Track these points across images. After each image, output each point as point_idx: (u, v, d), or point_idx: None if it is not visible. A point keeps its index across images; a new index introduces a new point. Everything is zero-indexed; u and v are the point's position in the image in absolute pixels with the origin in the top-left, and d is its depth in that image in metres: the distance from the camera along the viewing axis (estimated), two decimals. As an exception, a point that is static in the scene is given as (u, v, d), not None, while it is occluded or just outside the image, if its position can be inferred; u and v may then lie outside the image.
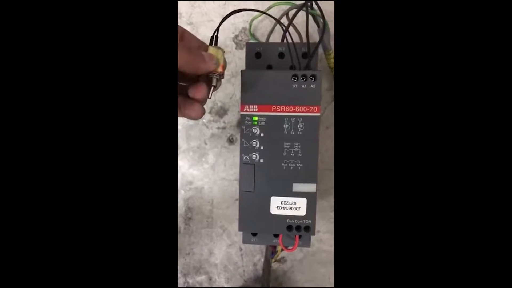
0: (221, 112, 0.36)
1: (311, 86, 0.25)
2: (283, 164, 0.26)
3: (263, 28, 0.34)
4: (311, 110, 0.25)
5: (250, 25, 0.34)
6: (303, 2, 0.29)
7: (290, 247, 0.28)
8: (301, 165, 0.26)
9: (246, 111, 0.26)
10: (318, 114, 0.26)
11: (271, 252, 0.34)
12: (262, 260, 0.37)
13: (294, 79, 0.25)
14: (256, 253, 0.38)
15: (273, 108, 0.26)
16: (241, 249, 0.38)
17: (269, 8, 0.33)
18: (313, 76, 0.25)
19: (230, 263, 0.38)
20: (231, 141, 0.36)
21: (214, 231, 0.38)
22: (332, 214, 0.37)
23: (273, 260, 0.35)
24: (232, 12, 0.26)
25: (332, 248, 0.37)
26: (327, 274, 0.38)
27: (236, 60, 0.35)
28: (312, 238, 0.36)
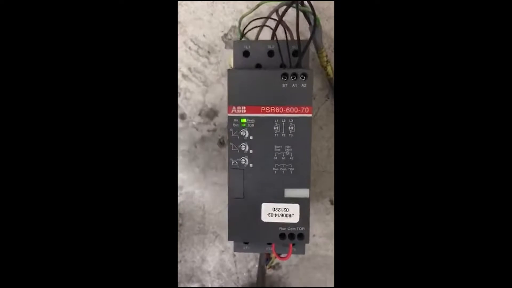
0: (211, 114, 0.35)
1: (302, 85, 0.24)
2: (274, 169, 0.25)
3: (252, 26, 0.33)
4: (302, 111, 0.24)
5: (240, 23, 0.33)
6: (293, -2, 0.28)
7: (283, 255, 0.27)
8: (293, 169, 0.24)
9: (234, 112, 0.25)
10: (310, 115, 0.24)
11: (266, 258, 0.33)
12: (257, 266, 0.36)
13: (284, 78, 0.24)
14: (250, 259, 0.37)
15: (262, 109, 0.24)
16: (234, 256, 0.37)
17: (258, 5, 0.32)
18: (304, 74, 0.24)
19: (224, 270, 0.37)
20: (222, 143, 0.35)
21: (206, 237, 0.37)
22: (328, 217, 0.36)
23: (267, 266, 0.34)
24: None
25: (328, 253, 0.36)
26: (324, 279, 0.37)
27: (225, 59, 0.34)
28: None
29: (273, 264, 0.36)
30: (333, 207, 0.36)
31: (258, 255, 0.36)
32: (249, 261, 0.37)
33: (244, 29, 0.28)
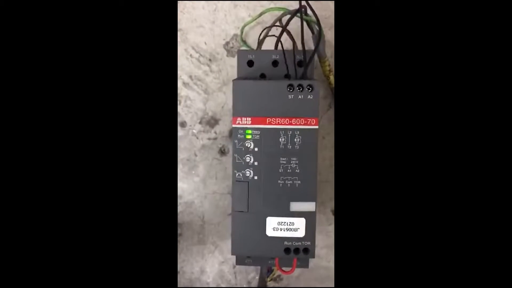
0: (212, 122, 0.35)
1: (308, 96, 0.24)
2: (279, 182, 0.24)
3: (255, 34, 0.33)
4: (308, 123, 0.24)
5: (242, 32, 0.33)
6: (297, 8, 0.27)
7: (287, 269, 0.26)
8: (299, 182, 0.24)
9: (239, 123, 0.24)
10: (316, 127, 0.24)
11: (267, 270, 0.32)
12: (257, 278, 0.36)
13: (290, 89, 0.24)
14: (250, 270, 0.36)
15: (268, 121, 0.24)
16: (234, 267, 0.36)
17: (262, 14, 0.31)
18: (310, 86, 0.24)
19: (223, 281, 0.36)
20: (222, 152, 0.35)
21: (206, 247, 0.36)
22: (330, 228, 0.35)
23: (268, 279, 0.33)
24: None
25: (330, 264, 0.36)
26: (325, 291, 0.36)
27: (227, 68, 0.34)
28: (309, 254, 0.35)
29: (274, 276, 0.35)
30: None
31: (258, 267, 0.35)
32: (250, 273, 0.36)
33: (261, 40, 0.28)
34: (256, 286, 0.36)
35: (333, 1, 0.33)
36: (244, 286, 0.36)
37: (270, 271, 0.32)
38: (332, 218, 0.35)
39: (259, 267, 0.35)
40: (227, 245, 0.35)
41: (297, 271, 0.36)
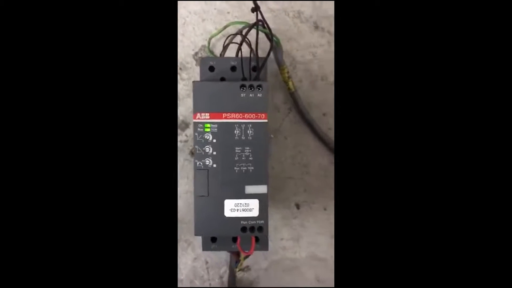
0: (183, 125, 0.37)
1: (258, 95, 0.27)
2: (235, 168, 0.27)
3: (221, 45, 0.37)
4: (259, 117, 0.27)
5: (209, 43, 0.36)
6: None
7: (248, 251, 0.28)
8: (252, 168, 0.27)
9: (199, 118, 0.27)
10: (266, 120, 0.28)
11: (235, 261, 0.34)
12: (228, 271, 0.37)
13: (242, 89, 0.27)
14: (221, 265, 0.38)
15: (224, 116, 0.27)
16: (206, 262, 0.38)
17: (226, 27, 0.35)
18: (259, 86, 0.27)
19: (196, 277, 0.38)
20: (193, 154, 0.37)
21: (179, 245, 0.38)
22: (295, 221, 0.38)
23: (237, 269, 0.35)
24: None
25: (296, 255, 0.38)
26: (293, 281, 0.38)
27: (196, 76, 0.37)
28: (276, 245, 0.37)
29: (243, 267, 0.37)
30: (299, 211, 0.38)
31: (229, 260, 0.37)
32: (221, 267, 0.38)
33: (226, 45, 0.31)
34: (227, 278, 0.37)
35: (292, 17, 0.38)
36: (216, 280, 0.38)
37: (238, 261, 0.34)
38: (296, 212, 0.38)
39: (229, 262, 0.37)
40: (199, 242, 0.37)
41: (265, 263, 0.38)
